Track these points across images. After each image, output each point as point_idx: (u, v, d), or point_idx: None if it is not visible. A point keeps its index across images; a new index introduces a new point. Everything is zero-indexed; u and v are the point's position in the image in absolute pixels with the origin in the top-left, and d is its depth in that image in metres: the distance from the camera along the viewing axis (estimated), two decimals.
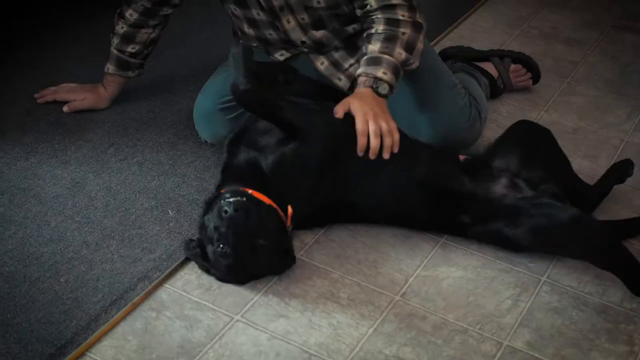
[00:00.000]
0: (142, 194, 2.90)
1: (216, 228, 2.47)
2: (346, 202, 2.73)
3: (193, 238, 2.66)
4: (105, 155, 3.06)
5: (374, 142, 2.66)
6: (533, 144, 2.88)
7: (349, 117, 2.69)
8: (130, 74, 3.22)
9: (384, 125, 2.67)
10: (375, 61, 2.73)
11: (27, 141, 3.09)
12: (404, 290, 2.65)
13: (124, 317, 2.47)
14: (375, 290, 2.64)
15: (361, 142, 2.66)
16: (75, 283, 2.54)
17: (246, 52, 2.66)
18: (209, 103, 3.03)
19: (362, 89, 2.74)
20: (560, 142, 2.99)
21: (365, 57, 2.76)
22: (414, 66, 2.80)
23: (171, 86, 3.50)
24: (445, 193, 2.74)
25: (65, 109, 3.26)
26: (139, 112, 3.31)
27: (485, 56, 3.54)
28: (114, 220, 2.78)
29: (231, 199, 2.46)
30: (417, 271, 2.72)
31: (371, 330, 2.50)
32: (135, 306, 2.50)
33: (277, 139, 2.63)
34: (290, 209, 2.57)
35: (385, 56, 2.72)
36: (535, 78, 3.67)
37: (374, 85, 2.72)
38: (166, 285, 2.59)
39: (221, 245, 2.45)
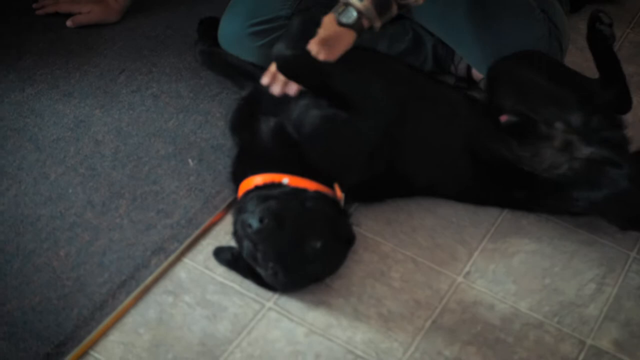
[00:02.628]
0: (157, 137, 2.45)
1: (254, 247, 2.01)
2: (400, 175, 2.27)
3: (224, 246, 2.17)
4: (115, 85, 2.60)
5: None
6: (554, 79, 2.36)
7: (413, 88, 2.27)
8: None
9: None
10: None
11: (23, 66, 2.62)
12: (467, 268, 2.23)
13: (134, 304, 2.07)
14: (433, 269, 2.21)
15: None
16: (77, 257, 2.13)
17: (308, 23, 2.15)
18: (237, 25, 2.53)
19: (327, 15, 2.22)
20: None
21: None
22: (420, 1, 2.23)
23: None
24: (494, 161, 2.27)
25: (68, 23, 2.77)
26: (155, 28, 2.81)
27: None
28: (124, 173, 2.34)
29: (256, 208, 1.99)
30: (483, 243, 2.29)
31: (429, 323, 2.09)
32: (148, 289, 2.10)
33: (309, 98, 2.15)
34: (338, 190, 2.12)
35: None
36: None
37: (338, 11, 2.18)
38: (185, 260, 2.18)
39: (271, 265, 2.00)
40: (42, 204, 2.24)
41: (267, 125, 2.18)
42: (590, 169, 2.21)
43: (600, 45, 2.41)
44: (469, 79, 2.67)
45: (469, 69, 2.66)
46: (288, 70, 2.15)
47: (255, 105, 2.25)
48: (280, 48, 2.14)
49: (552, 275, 2.23)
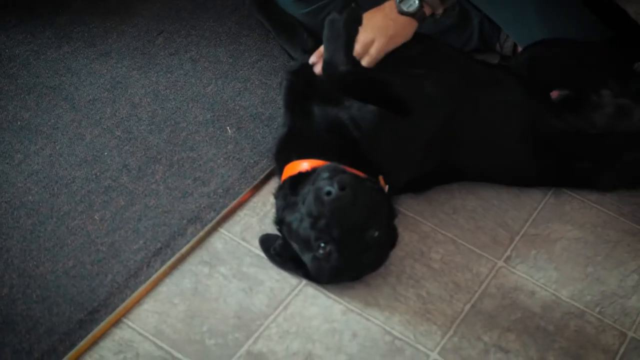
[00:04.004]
0: (195, 102, 2.39)
1: (314, 221, 1.89)
2: (452, 165, 2.21)
3: (271, 234, 2.09)
4: (153, 46, 2.53)
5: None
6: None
7: (465, 76, 2.19)
8: None
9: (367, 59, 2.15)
10: None
11: (59, 23, 2.55)
12: (508, 253, 2.17)
13: (169, 273, 2.03)
14: (473, 252, 2.16)
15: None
16: (112, 222, 2.08)
17: (352, 20, 2.05)
18: None
19: (387, 2, 2.17)
20: None
21: None
22: None
23: None
24: (553, 137, 2.21)
25: None
26: None
27: None
28: (161, 138, 2.29)
29: (333, 177, 1.86)
30: (525, 227, 2.24)
31: (468, 306, 2.05)
32: (184, 258, 2.06)
33: None
34: (382, 181, 2.05)
35: None
36: None
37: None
38: (222, 231, 2.13)
39: (322, 244, 1.90)
40: (77, 166, 2.19)
41: (324, 115, 2.09)
42: None
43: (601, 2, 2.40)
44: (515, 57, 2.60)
45: (515, 47, 2.59)
46: (345, 88, 2.05)
47: (308, 87, 2.16)
48: (332, 64, 2.02)
49: (595, 264, 2.17)
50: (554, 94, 2.26)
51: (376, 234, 1.91)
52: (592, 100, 2.24)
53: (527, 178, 2.28)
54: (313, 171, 1.98)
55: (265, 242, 2.05)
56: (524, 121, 2.20)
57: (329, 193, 1.84)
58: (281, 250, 2.01)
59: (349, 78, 2.03)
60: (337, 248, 1.89)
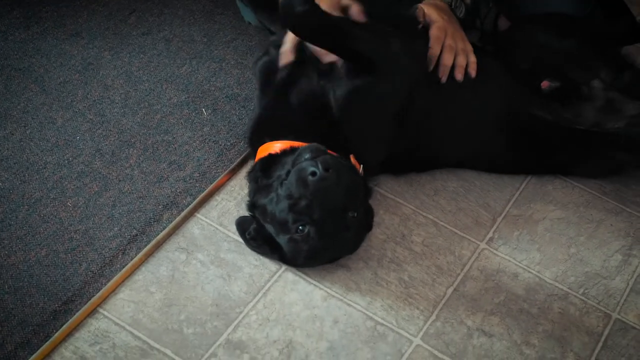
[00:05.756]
0: (169, 83, 2.33)
1: (294, 203, 1.84)
2: (427, 151, 2.16)
3: (247, 216, 2.03)
4: (125, 26, 2.47)
5: (447, 58, 2.11)
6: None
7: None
8: None
9: (459, 44, 2.13)
10: None
11: (28, 2, 2.48)
12: (490, 234, 2.14)
13: (145, 260, 1.98)
14: (455, 234, 2.13)
15: (435, 49, 2.11)
16: (86, 209, 2.03)
17: None
18: None
19: (439, 1, 2.16)
20: None
21: None
22: None
23: None
24: (534, 128, 2.17)
25: None
26: None
27: None
28: (135, 121, 2.23)
29: (316, 158, 1.81)
30: (507, 208, 2.20)
31: (450, 290, 2.02)
32: (160, 245, 2.01)
33: (345, 65, 2.00)
34: (354, 160, 2.00)
35: None
36: None
37: (453, 4, 2.17)
38: (198, 216, 2.08)
39: (300, 227, 1.85)
40: (49, 151, 2.13)
41: (301, 88, 2.02)
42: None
43: None
44: (495, 33, 2.56)
45: (495, 23, 2.54)
46: (301, 29, 1.95)
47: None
48: (289, 4, 1.91)
49: (578, 244, 2.15)
50: (544, 84, 2.20)
51: (355, 214, 1.87)
52: (582, 92, 2.19)
53: (503, 166, 2.24)
54: (283, 153, 1.95)
55: (242, 224, 2.00)
56: (503, 111, 2.16)
57: (313, 174, 1.78)
58: (256, 234, 1.96)
59: (305, 20, 1.90)
60: (317, 229, 1.85)
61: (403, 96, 2.04)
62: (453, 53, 2.12)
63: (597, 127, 2.16)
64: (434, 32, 2.11)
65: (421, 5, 2.17)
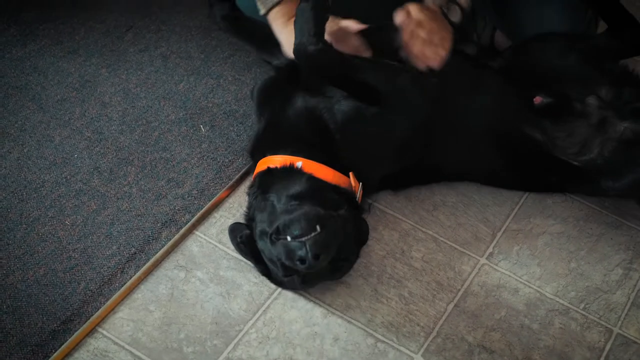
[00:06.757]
0: (167, 100, 2.33)
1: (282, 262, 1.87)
2: (429, 165, 2.16)
3: (241, 222, 2.03)
4: (122, 43, 2.46)
5: (415, 45, 2.09)
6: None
7: (440, 77, 2.12)
8: None
9: (435, 38, 2.09)
10: None
11: (24, 19, 2.47)
12: (490, 249, 2.14)
13: (144, 279, 1.97)
14: (455, 249, 2.12)
15: (404, 36, 2.09)
16: (84, 227, 2.02)
17: (320, 4, 1.99)
18: None
19: (431, 4, 2.14)
20: None
21: None
22: None
23: None
24: (527, 147, 2.17)
25: None
26: None
27: None
28: (132, 138, 2.22)
29: (304, 237, 1.79)
30: (507, 222, 2.20)
31: (451, 306, 2.01)
32: (159, 263, 2.00)
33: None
34: (353, 179, 2.00)
35: None
36: None
37: (445, 9, 2.14)
38: (197, 233, 2.07)
39: (288, 274, 1.91)
40: (46, 169, 2.12)
41: (303, 105, 2.05)
42: (620, 153, 2.12)
43: None
44: (492, 48, 2.56)
45: (492, 37, 2.54)
46: (314, 67, 2.01)
47: (293, 77, 2.11)
48: (302, 45, 1.97)
49: (578, 259, 2.14)
50: (537, 100, 2.18)
51: (345, 262, 1.93)
52: (574, 109, 2.17)
53: (500, 181, 2.24)
54: (283, 169, 1.97)
55: (234, 230, 2.00)
56: (498, 129, 2.15)
57: (302, 261, 1.78)
58: (246, 241, 1.96)
59: (318, 58, 1.97)
60: (303, 279, 1.89)
61: (410, 130, 2.05)
62: (423, 44, 2.09)
63: (577, 159, 2.14)
64: (407, 23, 2.09)
65: (408, 4, 2.15)
